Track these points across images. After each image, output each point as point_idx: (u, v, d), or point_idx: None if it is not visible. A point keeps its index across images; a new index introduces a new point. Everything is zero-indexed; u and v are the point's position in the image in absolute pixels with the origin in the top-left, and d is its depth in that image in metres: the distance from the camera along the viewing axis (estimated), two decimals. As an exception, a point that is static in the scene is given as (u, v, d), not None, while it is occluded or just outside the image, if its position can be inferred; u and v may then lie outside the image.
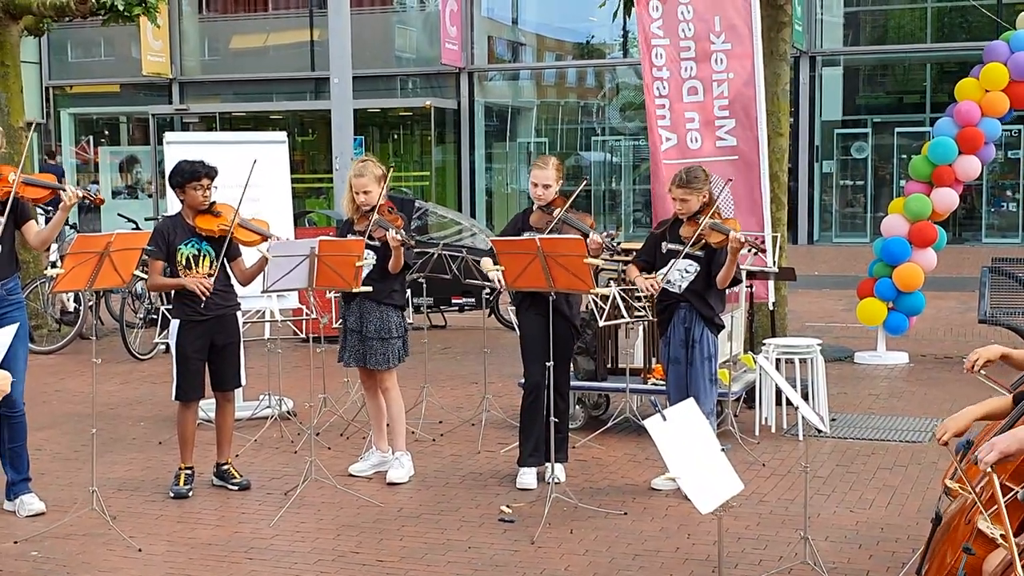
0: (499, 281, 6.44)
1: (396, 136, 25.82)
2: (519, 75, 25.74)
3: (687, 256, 6.44)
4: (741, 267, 6.55)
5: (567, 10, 24.85)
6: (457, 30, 22.98)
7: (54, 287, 6.33)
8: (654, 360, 7.87)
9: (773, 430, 7.86)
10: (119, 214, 14.22)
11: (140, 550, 5.65)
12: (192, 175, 6.51)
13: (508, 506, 6.22)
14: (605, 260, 7.24)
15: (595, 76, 25.61)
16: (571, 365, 7.49)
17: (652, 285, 6.45)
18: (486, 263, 6.67)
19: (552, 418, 6.29)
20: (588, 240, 6.26)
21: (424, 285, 9.00)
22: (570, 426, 7.24)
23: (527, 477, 6.62)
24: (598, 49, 25.37)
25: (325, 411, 8.24)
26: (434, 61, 23.95)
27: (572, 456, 7.05)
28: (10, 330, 3.14)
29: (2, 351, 2.95)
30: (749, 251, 6.33)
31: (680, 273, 6.50)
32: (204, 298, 6.42)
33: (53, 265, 11.78)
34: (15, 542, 5.77)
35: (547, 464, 6.50)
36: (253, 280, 6.73)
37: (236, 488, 6.69)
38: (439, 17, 22.96)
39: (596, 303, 7.31)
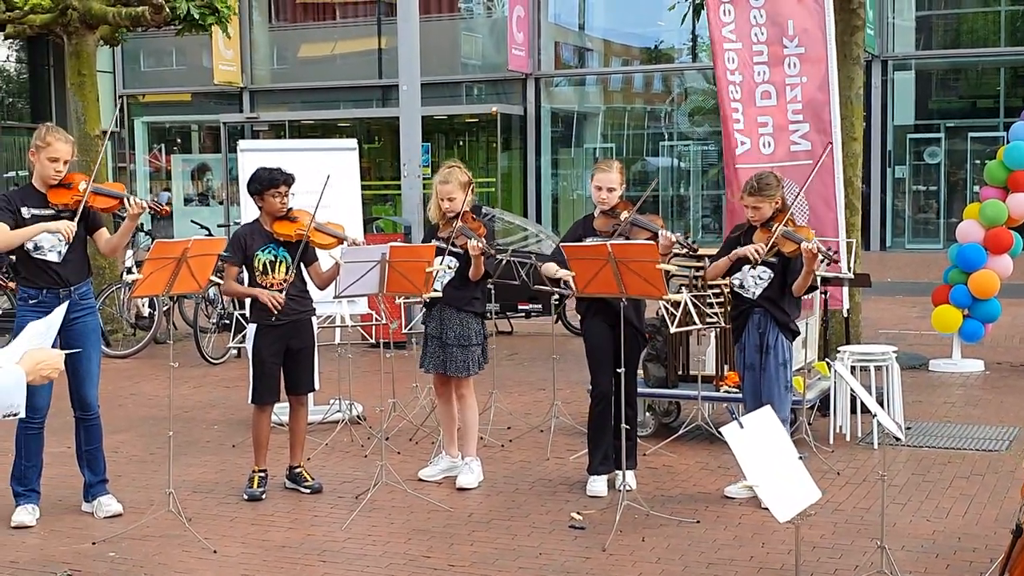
0: (567, 283, 6.41)
1: (462, 142, 25.92)
2: (585, 80, 25.71)
3: (761, 263, 6.38)
4: (816, 274, 6.47)
5: (634, 15, 24.77)
6: (524, 36, 23.00)
7: (133, 292, 6.43)
8: (726, 367, 7.81)
9: (848, 438, 7.76)
10: (192, 220, 14.43)
11: (215, 552, 5.70)
12: (271, 182, 6.58)
13: (578, 513, 6.20)
14: (677, 266, 7.19)
15: (663, 81, 25.50)
16: (641, 372, 7.47)
17: (756, 251, 6.33)
18: (548, 267, 6.63)
19: (623, 425, 6.26)
20: (659, 237, 6.22)
21: (492, 291, 8.99)
22: (640, 433, 7.21)
23: (597, 484, 6.59)
24: (666, 54, 25.26)
25: (394, 416, 8.28)
26: (500, 67, 24.00)
27: (643, 463, 7.01)
28: (60, 311, 3.17)
29: (53, 330, 2.98)
30: (823, 261, 6.25)
31: (754, 279, 6.44)
32: (275, 312, 6.48)
33: (129, 271, 12.02)
34: (93, 543, 5.86)
35: (617, 471, 6.47)
36: (330, 284, 6.78)
37: (308, 491, 6.73)
38: (506, 23, 23.00)
39: (667, 309, 7.26)
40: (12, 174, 26.20)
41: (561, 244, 6.36)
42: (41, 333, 2.93)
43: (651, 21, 24.27)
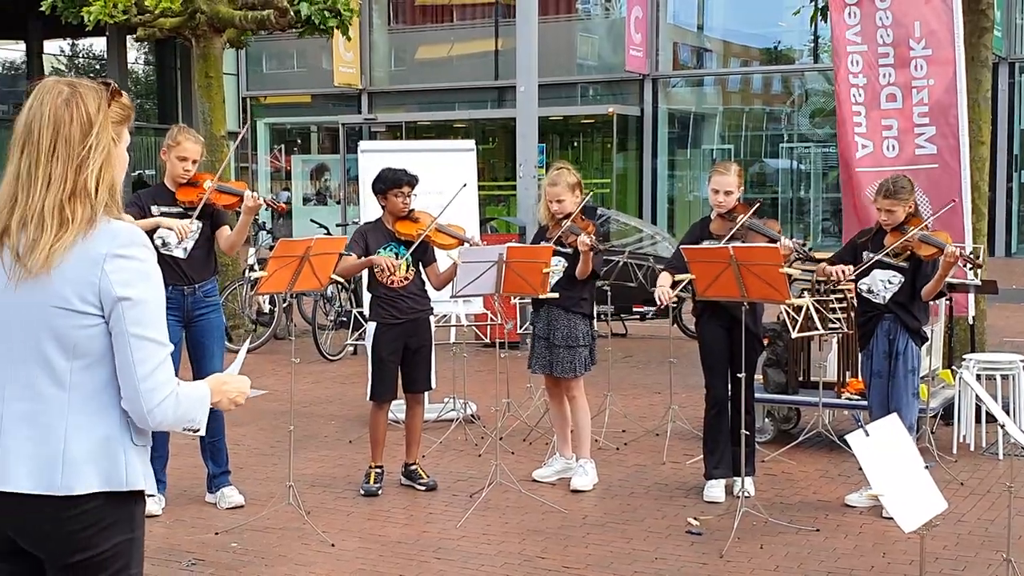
0: (661, 299, 6.34)
1: (577, 143, 25.88)
2: (703, 81, 25.48)
3: (891, 267, 6.25)
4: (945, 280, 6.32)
5: (754, 16, 24.47)
6: (642, 37, 22.87)
7: (257, 289, 6.56)
8: (848, 373, 7.66)
9: (972, 448, 7.56)
10: (311, 220, 14.66)
11: (333, 545, 5.79)
12: (395, 182, 6.66)
13: (696, 518, 6.14)
14: (801, 270, 7.08)
15: (782, 82, 25.14)
16: (761, 377, 7.37)
17: (842, 272, 6.27)
18: (664, 277, 6.55)
19: (743, 431, 6.18)
20: (778, 246, 6.14)
21: (608, 293, 8.98)
22: (759, 439, 7.12)
23: (714, 490, 6.52)
24: (785, 55, 24.91)
25: (508, 416, 8.30)
26: (617, 68, 23.91)
27: (761, 470, 6.92)
28: (243, 350, 3.26)
29: (238, 364, 3.08)
30: (964, 265, 6.09)
31: (884, 284, 6.31)
32: (389, 273, 6.52)
33: (251, 268, 12.28)
34: (216, 533, 5.99)
35: (735, 477, 6.39)
36: (447, 284, 6.83)
37: (423, 488, 6.79)
38: (623, 24, 22.92)
39: (789, 314, 7.16)
40: (140, 172, 26.97)
41: (681, 247, 6.30)
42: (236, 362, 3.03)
43: (771, 22, 23.94)
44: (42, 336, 2.61)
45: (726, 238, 6.26)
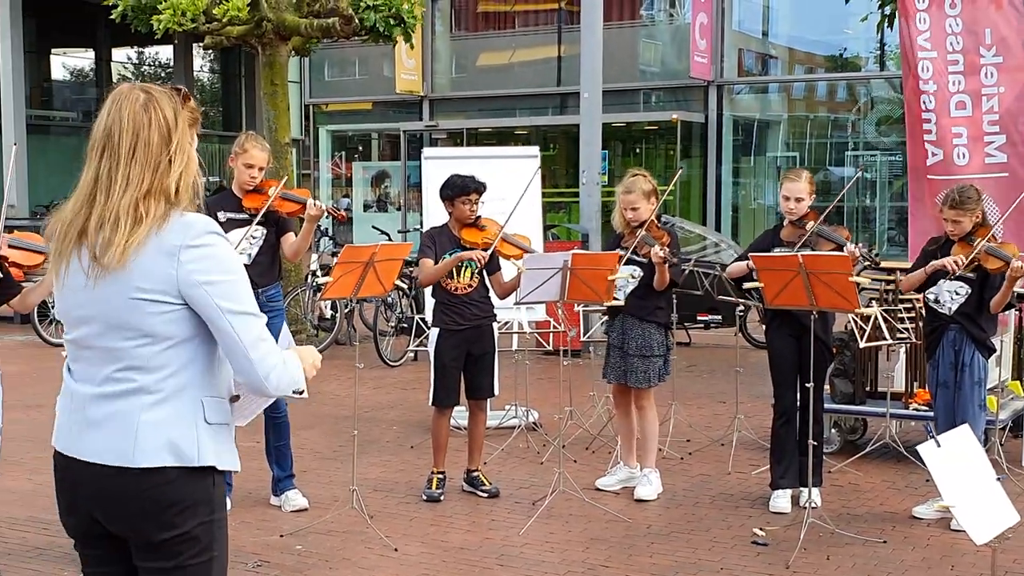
0: (755, 292, 6.30)
1: (639, 150, 25.77)
2: (768, 88, 25.27)
3: (958, 278, 6.15)
4: (1014, 290, 6.20)
5: (819, 22, 24.22)
6: (707, 43, 22.74)
7: (322, 295, 6.61)
8: (916, 384, 7.56)
9: (1043, 462, 7.42)
10: (373, 226, 14.74)
11: (396, 550, 5.80)
12: (462, 189, 6.67)
13: (761, 529, 6.08)
14: (870, 279, 6.99)
15: (847, 89, 24.89)
16: (828, 387, 7.28)
17: (955, 262, 6.10)
18: (735, 267, 6.52)
19: (810, 441, 6.11)
20: (844, 249, 6.08)
21: (674, 301, 8.89)
22: (826, 450, 7.04)
23: (781, 500, 6.46)
24: (851, 62, 24.63)
25: (571, 424, 8.28)
26: (680, 74, 23.78)
27: (828, 481, 6.84)
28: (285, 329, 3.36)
29: (288, 340, 3.19)
30: None
31: (950, 295, 6.21)
32: (481, 263, 6.53)
33: (314, 274, 12.39)
34: (280, 535, 6.03)
35: (802, 488, 6.33)
36: (510, 294, 6.82)
37: (486, 495, 6.79)
38: (688, 30, 22.80)
39: (857, 323, 7.07)
40: (204, 179, 27.24)
41: (750, 254, 6.25)
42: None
43: (837, 29, 23.69)
44: (123, 326, 2.74)
45: (797, 246, 6.20)
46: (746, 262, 6.31)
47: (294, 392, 2.87)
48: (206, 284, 2.72)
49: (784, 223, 6.54)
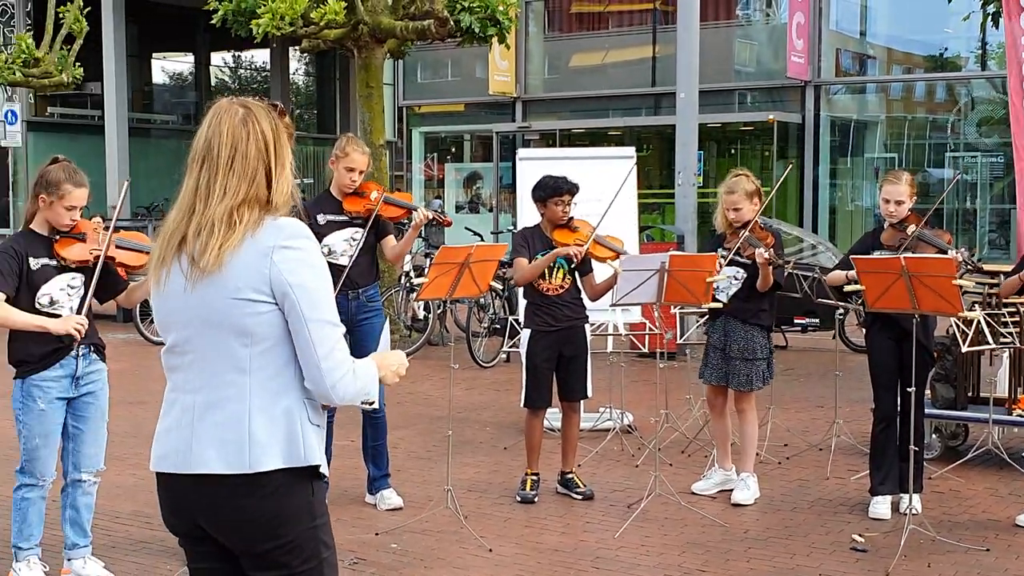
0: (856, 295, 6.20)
1: (734, 151, 25.52)
2: (865, 88, 24.86)
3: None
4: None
5: (918, 22, 23.77)
6: (804, 43, 22.44)
7: (418, 295, 6.66)
8: (1019, 390, 7.37)
9: None
10: (466, 228, 14.80)
11: (491, 550, 5.81)
12: (555, 190, 6.66)
13: (860, 535, 5.98)
14: (974, 282, 6.83)
15: (946, 89, 24.38)
16: (928, 392, 7.14)
17: None
18: (835, 275, 6.43)
19: (911, 447, 5.99)
20: (948, 256, 5.96)
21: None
22: (926, 456, 6.90)
23: (880, 507, 6.34)
24: (951, 62, 24.13)
25: (666, 427, 8.22)
26: (776, 75, 23.51)
27: (928, 487, 6.70)
28: (385, 331, 3.40)
29: (386, 343, 3.22)
30: None
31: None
32: (577, 259, 6.51)
33: (407, 275, 12.47)
34: (376, 534, 6.08)
35: (901, 494, 6.21)
36: (602, 297, 6.80)
37: (580, 497, 6.77)
38: (784, 30, 22.54)
39: (959, 327, 6.92)
40: (298, 181, 27.60)
41: (851, 257, 6.15)
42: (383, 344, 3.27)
43: (936, 28, 23.22)
44: (223, 327, 2.81)
45: (900, 249, 6.09)
46: (845, 272, 6.23)
47: (363, 403, 2.90)
48: (294, 286, 2.79)
49: (884, 226, 6.41)
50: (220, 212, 2.79)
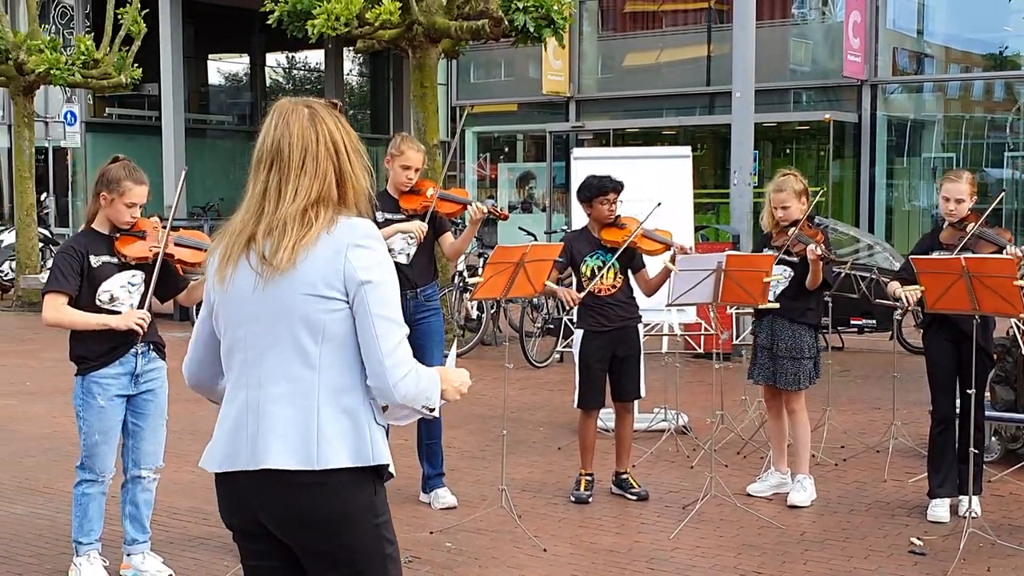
0: (907, 299, 6.14)
1: (789, 150, 25.32)
2: (922, 87, 24.58)
3: None
4: None
5: (977, 20, 23.46)
6: (860, 42, 22.22)
7: (473, 295, 6.68)
8: (1082, 393, 7.25)
9: None
10: (519, 227, 14.80)
11: (545, 550, 5.81)
12: (599, 189, 6.65)
13: (919, 538, 5.91)
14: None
15: (1005, 88, 24.04)
16: (988, 394, 7.04)
17: None
18: (891, 287, 6.38)
19: (971, 449, 5.91)
20: (1005, 251, 5.88)
21: (830, 304, 8.71)
22: (986, 458, 6.80)
23: (939, 509, 6.26)
24: (1010, 60, 23.79)
25: (722, 428, 8.17)
26: (832, 74, 23.31)
27: (988, 490, 6.61)
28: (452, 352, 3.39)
29: (452, 361, 3.21)
30: None
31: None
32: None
33: (460, 275, 12.50)
34: (431, 532, 6.10)
35: (960, 496, 6.13)
36: (656, 291, 6.78)
37: (635, 498, 6.75)
38: (840, 29, 22.33)
39: (1019, 328, 6.82)
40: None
41: (910, 256, 6.08)
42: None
43: (995, 26, 22.90)
44: (293, 323, 2.82)
45: (957, 248, 6.01)
46: (894, 289, 6.19)
47: (423, 407, 2.88)
48: (365, 283, 2.80)
49: (943, 225, 6.34)
50: (293, 212, 2.80)
